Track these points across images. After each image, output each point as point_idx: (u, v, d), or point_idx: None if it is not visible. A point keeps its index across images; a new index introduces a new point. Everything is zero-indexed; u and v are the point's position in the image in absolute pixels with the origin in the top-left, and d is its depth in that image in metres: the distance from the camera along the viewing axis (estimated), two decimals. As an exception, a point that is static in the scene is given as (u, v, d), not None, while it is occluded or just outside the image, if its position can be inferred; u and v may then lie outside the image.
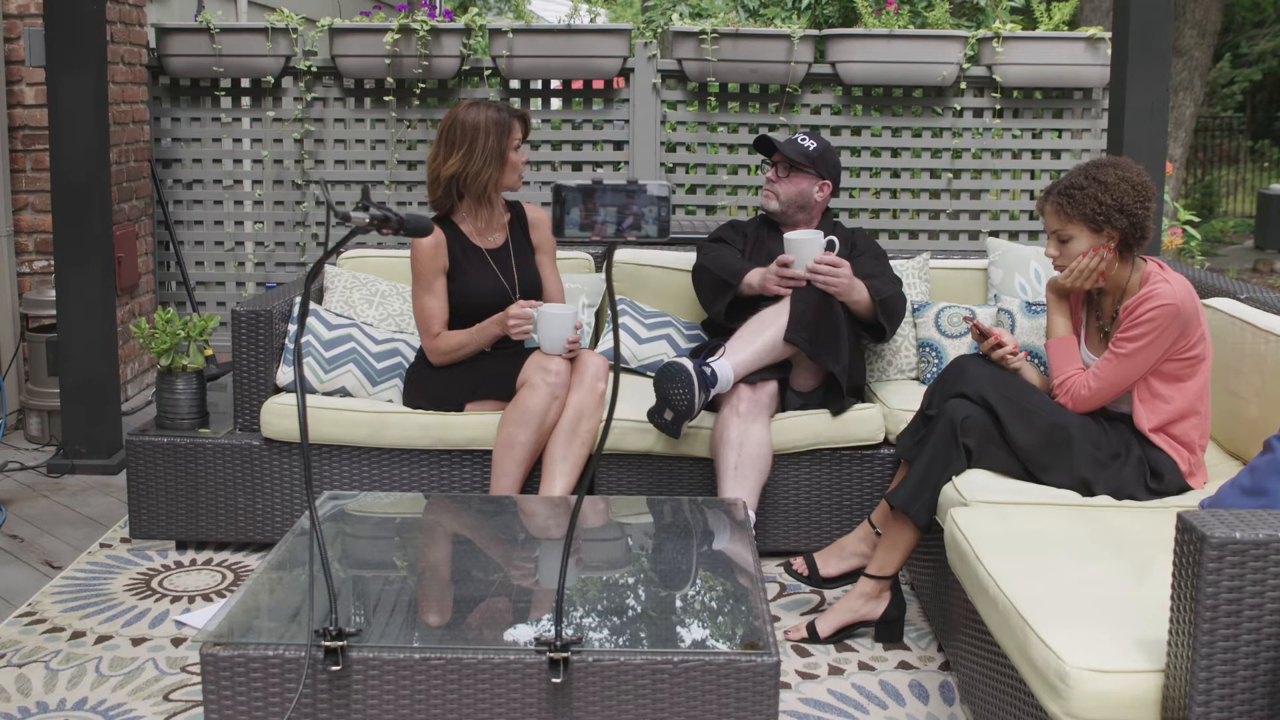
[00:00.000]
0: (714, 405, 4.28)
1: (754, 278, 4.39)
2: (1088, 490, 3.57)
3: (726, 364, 4.17)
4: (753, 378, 4.23)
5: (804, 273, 4.23)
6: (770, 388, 4.28)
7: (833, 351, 4.24)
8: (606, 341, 4.90)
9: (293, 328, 4.53)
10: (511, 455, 4.15)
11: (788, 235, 4.39)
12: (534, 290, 4.51)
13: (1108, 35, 6.41)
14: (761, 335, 4.22)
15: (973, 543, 3.15)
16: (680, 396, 4.03)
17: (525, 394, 4.15)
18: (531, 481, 4.24)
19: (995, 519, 3.31)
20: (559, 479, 4.13)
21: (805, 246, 4.29)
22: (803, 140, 4.65)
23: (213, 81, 7.08)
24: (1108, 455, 3.60)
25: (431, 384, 4.41)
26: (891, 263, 4.82)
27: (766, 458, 4.19)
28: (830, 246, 4.39)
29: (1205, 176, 19.00)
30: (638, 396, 4.37)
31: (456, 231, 4.46)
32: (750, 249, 4.69)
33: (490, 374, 4.34)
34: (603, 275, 4.96)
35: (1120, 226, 3.60)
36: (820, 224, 4.68)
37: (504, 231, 4.55)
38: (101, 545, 4.57)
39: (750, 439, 4.16)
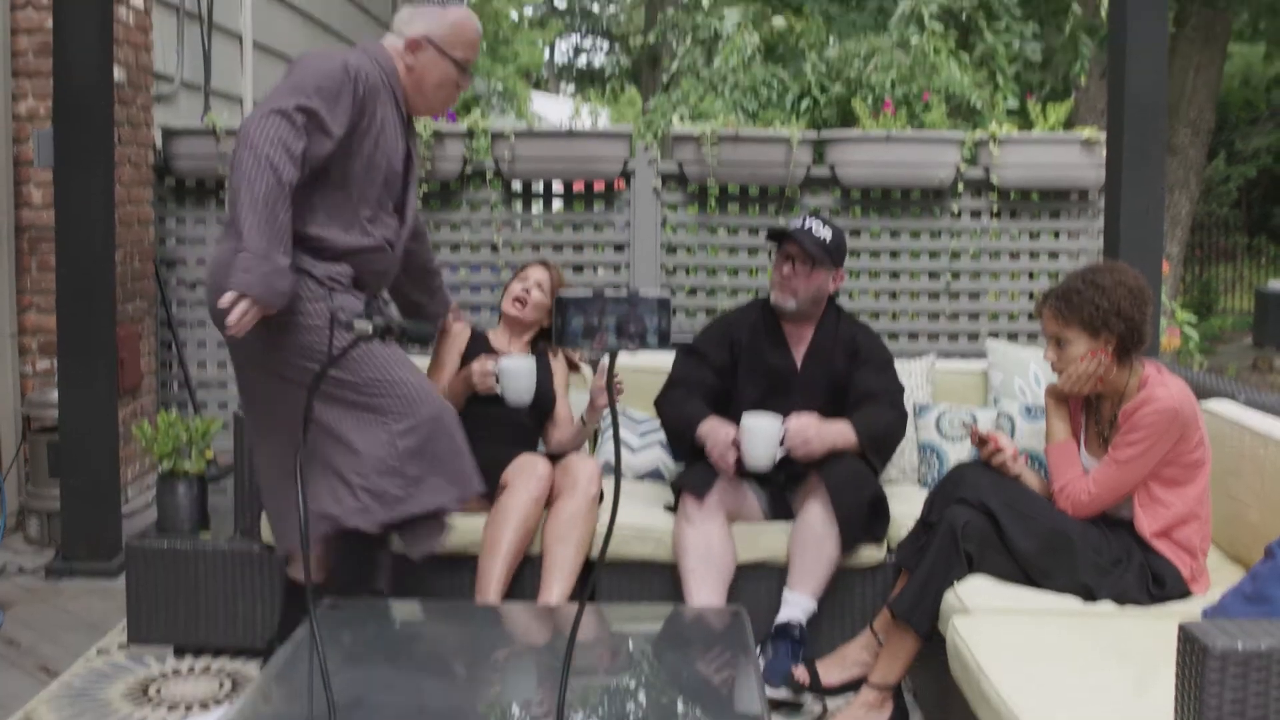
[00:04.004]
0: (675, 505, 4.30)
1: (708, 434, 4.26)
2: (1090, 596, 3.56)
3: (807, 602, 4.16)
4: (699, 490, 4.19)
5: (762, 466, 4.09)
6: (716, 495, 4.22)
7: (871, 532, 4.22)
8: (602, 445, 4.90)
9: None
10: (494, 558, 4.14)
11: (745, 421, 4.13)
12: (543, 401, 4.54)
13: (1103, 136, 6.48)
14: (823, 551, 4.16)
15: (975, 652, 3.14)
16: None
17: (506, 497, 4.17)
18: (522, 588, 4.22)
19: (997, 627, 3.30)
20: (555, 585, 4.12)
21: (759, 438, 4.08)
22: (818, 231, 4.41)
23: (218, 182, 7.14)
24: (1109, 560, 3.60)
25: None
26: (897, 364, 4.83)
27: (725, 556, 4.14)
28: (782, 440, 4.12)
29: (1203, 273, 19.10)
30: (634, 504, 4.39)
31: (482, 339, 4.65)
32: (741, 358, 4.50)
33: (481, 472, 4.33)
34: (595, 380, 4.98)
35: (1117, 331, 3.62)
36: (827, 314, 4.50)
37: (526, 349, 4.68)
38: (99, 651, 4.54)
39: (704, 542, 4.13)
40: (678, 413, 4.41)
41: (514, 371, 4.30)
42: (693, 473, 4.25)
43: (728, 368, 4.50)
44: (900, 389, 4.44)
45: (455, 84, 3.91)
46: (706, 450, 4.24)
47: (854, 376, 4.38)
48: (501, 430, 4.45)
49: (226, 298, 3.41)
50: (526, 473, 4.19)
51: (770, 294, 4.48)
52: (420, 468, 3.65)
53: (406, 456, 3.63)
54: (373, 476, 3.62)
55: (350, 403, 3.64)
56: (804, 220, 4.44)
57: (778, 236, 4.46)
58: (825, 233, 4.41)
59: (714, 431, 4.24)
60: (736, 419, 4.35)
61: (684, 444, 4.40)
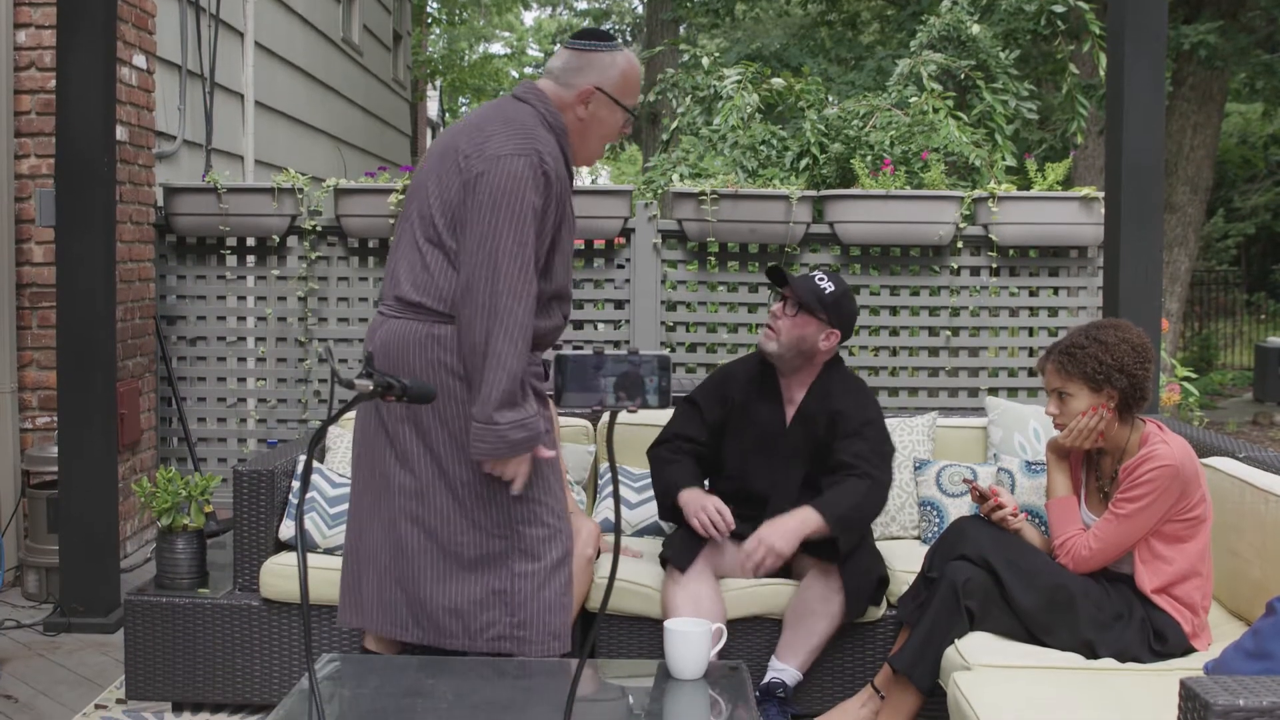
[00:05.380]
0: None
1: (686, 505, 4.23)
2: (1091, 652, 3.56)
3: (794, 673, 4.15)
4: (682, 563, 4.14)
5: (690, 675, 3.33)
6: (702, 559, 4.19)
7: (871, 598, 4.18)
8: (599, 502, 4.90)
9: (296, 484, 4.53)
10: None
11: (669, 625, 3.40)
12: None
13: (1101, 195, 6.51)
14: (815, 627, 4.15)
15: (977, 708, 3.13)
16: None
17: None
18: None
19: (999, 683, 3.29)
20: None
21: (687, 645, 3.33)
22: (820, 280, 4.30)
23: (219, 240, 7.17)
24: (1110, 616, 3.59)
25: None
26: (897, 421, 4.83)
27: (715, 614, 4.06)
28: (718, 636, 3.54)
29: (1202, 329, 19.17)
30: (631, 559, 4.39)
31: None
32: (733, 413, 4.43)
33: None
34: (590, 448, 4.97)
35: (1120, 386, 3.64)
36: (821, 376, 4.39)
37: None
38: (97, 706, 4.52)
39: (692, 602, 4.09)
40: (660, 473, 4.39)
41: None
42: (676, 543, 4.22)
43: (719, 424, 4.44)
44: (881, 453, 4.26)
45: (618, 132, 3.72)
46: (686, 518, 4.21)
47: (833, 444, 4.27)
48: None
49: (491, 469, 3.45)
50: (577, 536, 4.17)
51: (758, 341, 4.41)
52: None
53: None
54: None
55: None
56: (813, 272, 4.36)
57: (774, 275, 4.35)
58: (827, 285, 4.29)
59: (692, 502, 4.21)
60: (724, 474, 4.39)
61: (665, 504, 4.37)
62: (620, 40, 3.68)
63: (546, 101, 3.60)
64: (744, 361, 4.56)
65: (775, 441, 4.36)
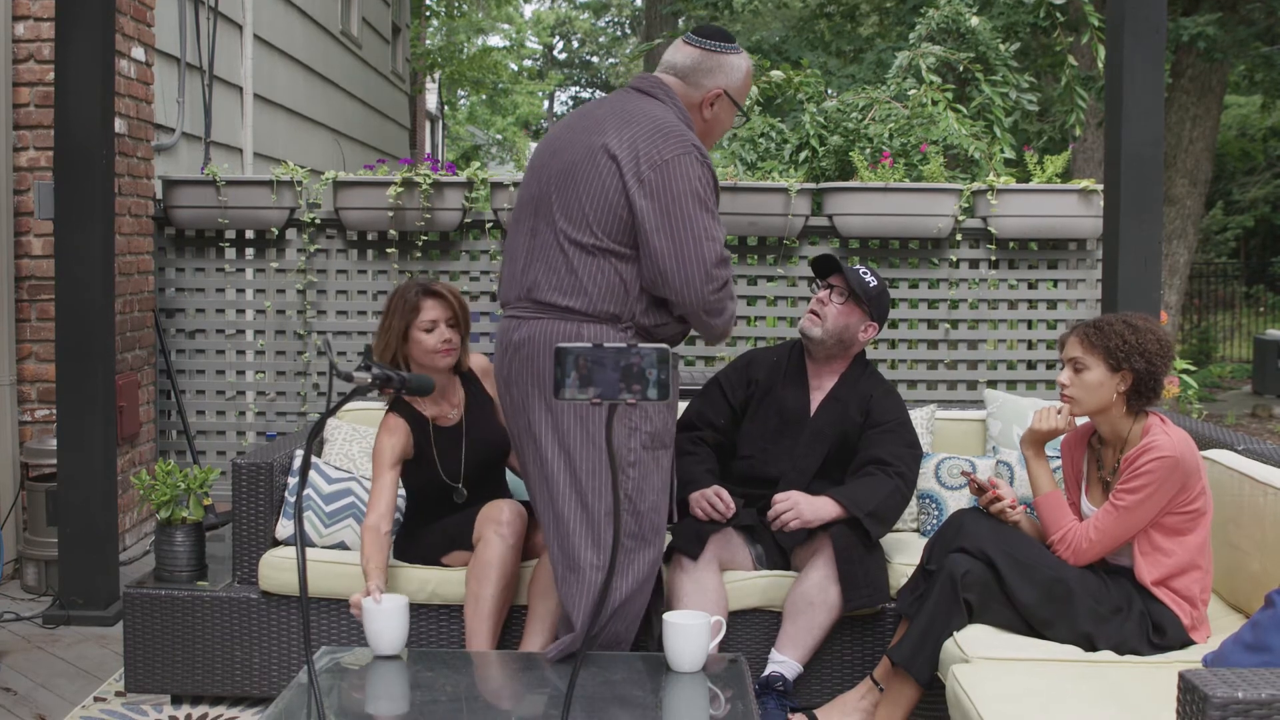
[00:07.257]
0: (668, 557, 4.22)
1: (695, 502, 4.27)
2: (1090, 645, 3.56)
3: (794, 665, 4.13)
4: (693, 551, 4.13)
5: (688, 667, 3.39)
6: (711, 549, 4.18)
7: (875, 595, 4.16)
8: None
9: (293, 480, 4.53)
10: (478, 611, 4.06)
11: (669, 618, 3.43)
12: (491, 460, 4.43)
13: (1100, 187, 6.50)
14: (814, 619, 4.14)
15: (975, 701, 3.13)
16: None
17: (481, 549, 4.08)
18: (511, 634, 4.20)
19: (998, 676, 3.29)
20: (536, 638, 4.05)
21: (685, 637, 3.38)
22: (865, 274, 4.43)
23: (217, 233, 7.17)
24: (1109, 609, 3.60)
25: (409, 539, 4.40)
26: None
27: (719, 605, 4.08)
28: (718, 629, 3.58)
29: (1201, 322, 19.17)
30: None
31: (418, 416, 4.31)
32: (756, 394, 4.50)
33: (459, 529, 4.30)
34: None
35: (1137, 368, 3.63)
36: (852, 367, 4.48)
37: (459, 407, 4.41)
38: (96, 699, 4.52)
39: (698, 591, 4.08)
40: (681, 466, 4.34)
41: (376, 616, 3.56)
42: (685, 532, 4.19)
43: (742, 405, 4.51)
44: (910, 454, 4.35)
45: (729, 127, 3.87)
46: (690, 509, 4.23)
47: (862, 437, 4.36)
48: (475, 484, 4.42)
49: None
50: (495, 520, 4.09)
51: (800, 324, 4.47)
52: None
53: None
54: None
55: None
56: (856, 266, 4.47)
57: (824, 264, 4.47)
58: (871, 279, 4.43)
59: (700, 499, 4.24)
60: (739, 454, 4.41)
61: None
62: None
63: (677, 100, 3.67)
64: (768, 350, 4.67)
65: (798, 425, 4.41)
